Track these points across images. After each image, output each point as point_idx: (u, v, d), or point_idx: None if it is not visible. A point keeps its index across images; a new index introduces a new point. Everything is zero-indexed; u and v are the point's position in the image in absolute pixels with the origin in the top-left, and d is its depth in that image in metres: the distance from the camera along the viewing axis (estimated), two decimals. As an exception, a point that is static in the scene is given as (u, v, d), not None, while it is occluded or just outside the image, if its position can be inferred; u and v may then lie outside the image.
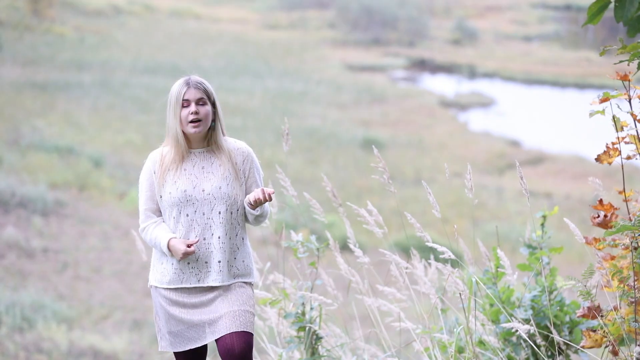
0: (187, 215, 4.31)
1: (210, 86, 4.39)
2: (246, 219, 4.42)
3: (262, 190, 4.26)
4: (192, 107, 4.30)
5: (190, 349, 4.41)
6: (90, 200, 24.22)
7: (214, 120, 4.37)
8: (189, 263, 4.32)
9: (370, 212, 5.38)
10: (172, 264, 4.34)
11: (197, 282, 4.32)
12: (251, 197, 4.29)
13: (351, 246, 5.43)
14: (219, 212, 4.31)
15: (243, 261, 4.39)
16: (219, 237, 4.31)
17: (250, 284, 4.42)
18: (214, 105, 4.37)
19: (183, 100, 4.32)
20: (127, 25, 49.12)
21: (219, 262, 4.32)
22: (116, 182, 25.53)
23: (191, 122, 4.30)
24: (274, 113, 33.85)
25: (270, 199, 4.27)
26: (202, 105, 4.32)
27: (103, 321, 17.31)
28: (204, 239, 4.32)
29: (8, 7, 45.09)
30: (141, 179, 4.39)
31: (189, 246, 4.25)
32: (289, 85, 39.42)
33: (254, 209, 4.33)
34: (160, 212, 4.39)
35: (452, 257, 4.82)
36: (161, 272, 4.36)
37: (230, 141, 4.43)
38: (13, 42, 41.13)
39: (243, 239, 4.40)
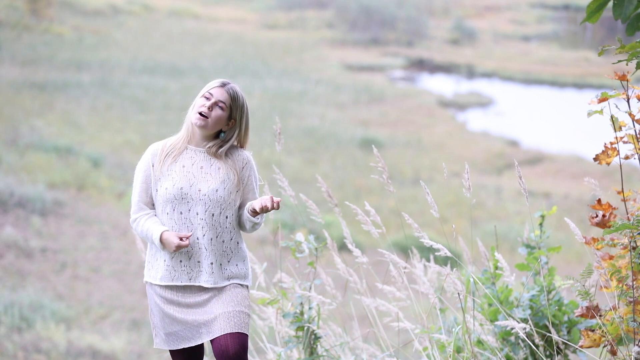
0: (181, 213, 4.30)
1: (244, 101, 4.34)
2: (241, 225, 4.40)
3: (271, 198, 4.24)
4: (209, 103, 4.29)
5: (187, 348, 4.40)
6: (89, 200, 24.21)
7: (223, 131, 4.34)
8: (181, 261, 4.30)
9: (368, 212, 5.38)
10: (164, 260, 4.32)
11: (188, 281, 4.30)
12: (256, 205, 4.25)
13: (349, 246, 5.43)
14: (212, 215, 4.29)
15: (237, 265, 4.36)
16: (211, 239, 4.29)
17: (245, 286, 4.40)
18: (233, 119, 4.33)
19: (207, 92, 4.31)
20: (125, 25, 49.11)
21: (211, 264, 4.29)
22: (115, 182, 25.52)
23: (198, 113, 4.29)
24: (273, 113, 33.84)
25: (278, 207, 4.25)
26: (220, 109, 4.30)
27: (102, 321, 17.30)
28: (197, 238, 4.30)
29: (7, 7, 45.07)
30: (137, 170, 4.37)
31: (182, 240, 4.24)
32: (288, 85, 39.42)
33: (255, 217, 4.32)
34: (153, 205, 4.37)
35: (449, 254, 4.82)
36: (155, 269, 4.35)
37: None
38: (12, 41, 41.12)
39: (238, 243, 4.37)
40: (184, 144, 4.34)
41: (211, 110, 4.28)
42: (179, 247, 4.22)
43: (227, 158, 4.35)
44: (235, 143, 4.39)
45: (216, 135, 4.35)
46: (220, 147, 4.34)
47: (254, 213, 4.30)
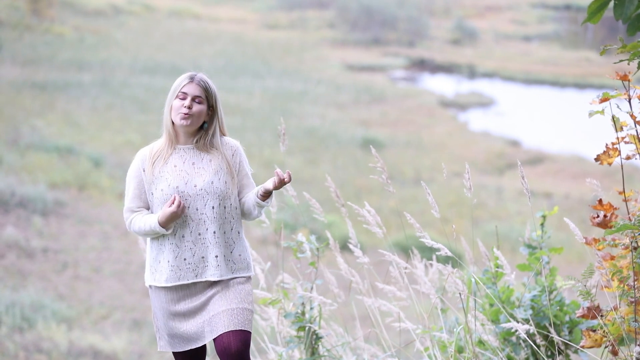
0: None
1: (215, 88, 4.37)
2: (244, 214, 4.41)
3: (281, 172, 4.26)
4: (187, 102, 4.29)
5: (190, 349, 4.41)
6: (89, 200, 24.22)
7: (206, 122, 4.36)
8: (185, 259, 4.30)
9: (369, 212, 5.38)
10: (168, 261, 4.32)
11: (194, 278, 4.31)
12: (269, 184, 4.29)
13: (351, 246, 5.43)
14: (212, 207, 4.30)
15: (240, 255, 4.38)
16: (214, 232, 4.30)
17: (249, 278, 4.41)
18: (211, 107, 4.36)
19: (180, 92, 4.31)
20: (126, 25, 49.12)
21: (216, 256, 4.30)
22: (116, 182, 25.53)
23: (181, 113, 4.29)
24: (273, 113, 33.85)
25: (290, 180, 4.26)
26: (198, 103, 4.32)
27: (103, 321, 17.31)
28: (199, 234, 4.31)
29: (8, 7, 45.09)
30: (129, 177, 4.38)
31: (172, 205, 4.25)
32: (289, 85, 39.42)
33: (265, 200, 4.33)
34: (146, 209, 4.37)
35: (449, 254, 4.82)
36: (159, 272, 4.34)
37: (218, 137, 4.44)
38: (12, 41, 41.13)
39: (239, 232, 4.39)
40: (171, 145, 4.35)
41: (192, 108, 4.29)
42: (179, 210, 4.21)
43: (216, 149, 4.37)
44: (218, 130, 4.41)
45: (199, 129, 4.37)
46: (207, 138, 4.36)
47: (265, 196, 4.31)
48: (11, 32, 42.66)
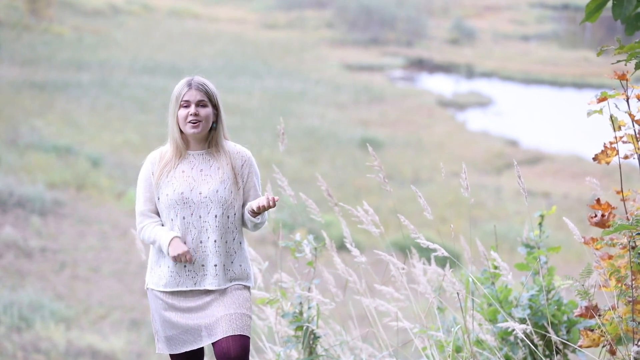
0: (184, 217, 4.30)
1: (214, 88, 4.36)
2: (244, 224, 4.40)
3: (266, 197, 4.25)
4: (192, 109, 4.28)
5: (187, 352, 4.40)
6: (88, 200, 24.21)
7: (215, 122, 4.35)
8: (185, 266, 4.31)
9: (366, 211, 5.38)
10: (168, 266, 4.32)
11: (193, 285, 4.31)
12: (254, 204, 4.27)
13: (348, 246, 5.43)
14: (215, 216, 4.29)
15: (240, 265, 4.37)
16: (215, 241, 4.30)
17: (247, 287, 4.41)
18: (215, 107, 4.35)
19: (183, 101, 4.30)
20: (125, 25, 49.11)
21: (215, 265, 4.30)
22: (114, 182, 25.52)
23: (190, 122, 4.29)
24: (273, 113, 33.85)
25: (274, 205, 4.25)
26: (203, 107, 4.30)
27: (101, 321, 17.30)
28: (200, 242, 4.30)
29: (6, 7, 45.07)
30: (139, 180, 4.39)
31: (186, 256, 4.26)
32: (288, 85, 39.42)
33: (255, 217, 4.33)
34: (158, 213, 4.38)
35: (445, 254, 4.82)
36: (158, 275, 4.35)
37: (230, 144, 4.40)
38: (11, 41, 41.12)
39: (240, 243, 4.38)
40: (178, 156, 4.33)
41: (199, 115, 4.29)
42: (184, 255, 4.23)
43: (225, 155, 4.35)
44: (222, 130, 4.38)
45: (209, 130, 4.36)
46: (217, 138, 4.34)
47: (254, 213, 4.31)
48: (10, 32, 42.66)
